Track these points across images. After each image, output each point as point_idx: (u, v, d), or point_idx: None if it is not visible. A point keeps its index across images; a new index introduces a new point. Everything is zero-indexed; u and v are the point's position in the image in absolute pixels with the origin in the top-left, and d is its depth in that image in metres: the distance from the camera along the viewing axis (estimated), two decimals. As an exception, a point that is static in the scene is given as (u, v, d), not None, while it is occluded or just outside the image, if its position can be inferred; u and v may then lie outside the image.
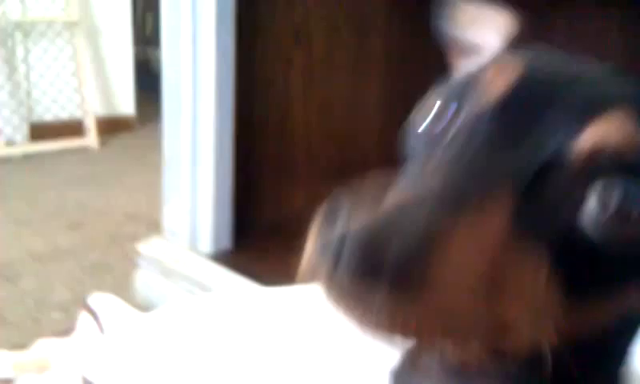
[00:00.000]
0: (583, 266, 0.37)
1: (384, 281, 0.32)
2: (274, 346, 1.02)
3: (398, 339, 0.34)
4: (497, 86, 0.40)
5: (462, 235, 0.34)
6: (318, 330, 1.04)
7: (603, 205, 0.36)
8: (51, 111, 3.11)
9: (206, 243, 1.44)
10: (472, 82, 0.42)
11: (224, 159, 1.41)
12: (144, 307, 1.49)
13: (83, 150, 3.06)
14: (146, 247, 1.54)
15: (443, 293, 0.33)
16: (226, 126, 1.39)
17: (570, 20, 1.66)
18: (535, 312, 0.36)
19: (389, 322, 0.33)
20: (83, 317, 1.20)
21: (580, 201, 0.36)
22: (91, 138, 3.08)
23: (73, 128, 3.08)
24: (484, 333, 0.36)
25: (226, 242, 1.45)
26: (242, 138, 1.49)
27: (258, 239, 1.52)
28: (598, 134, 0.37)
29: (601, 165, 0.36)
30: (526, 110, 0.39)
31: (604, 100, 0.38)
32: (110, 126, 3.24)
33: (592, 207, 0.36)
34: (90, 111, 3.10)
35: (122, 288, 1.59)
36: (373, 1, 1.69)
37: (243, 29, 1.42)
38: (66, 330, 1.25)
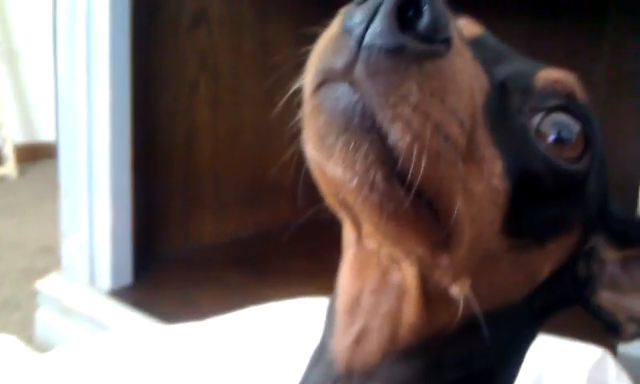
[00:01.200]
0: (527, 201, 0.40)
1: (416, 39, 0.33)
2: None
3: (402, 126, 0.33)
4: (469, 31, 0.46)
5: (466, 61, 0.36)
6: (223, 370, 0.99)
7: (550, 130, 0.41)
8: (-32, 139, 2.98)
9: (105, 279, 1.37)
10: None
11: (121, 192, 1.34)
12: (44, 348, 1.41)
13: (1, 180, 2.93)
14: (45, 284, 1.46)
15: (450, 87, 0.34)
16: (123, 157, 1.33)
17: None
18: (479, 219, 0.38)
19: (415, 93, 0.33)
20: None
21: (533, 125, 0.41)
22: (9, 167, 2.96)
23: (-10, 156, 2.95)
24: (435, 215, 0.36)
25: (126, 278, 1.39)
26: (144, 169, 1.43)
27: (162, 273, 1.46)
28: (555, 72, 0.43)
29: (555, 95, 0.42)
30: (495, 48, 0.46)
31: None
32: (30, 154, 3.12)
33: (542, 130, 0.41)
34: (9, 138, 2.98)
35: (28, 326, 1.51)
36: (280, 23, 1.66)
37: (142, 54, 1.37)
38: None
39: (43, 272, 1.65)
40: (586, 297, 0.49)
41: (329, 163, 0.35)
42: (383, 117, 0.33)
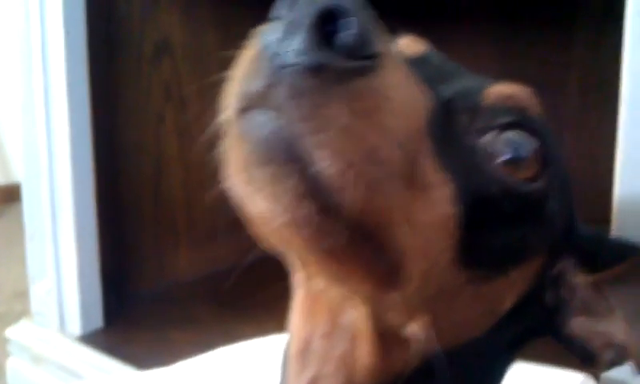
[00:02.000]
0: (482, 227, 0.37)
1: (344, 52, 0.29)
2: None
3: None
4: (412, 49, 0.43)
5: (402, 77, 0.33)
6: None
7: (503, 149, 0.37)
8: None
9: (75, 324, 1.31)
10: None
11: (87, 232, 1.30)
12: (16, 399, 1.36)
13: (-24, 223, 2.88)
14: (15, 331, 1.41)
15: (384, 109, 0.31)
16: (86, 196, 1.28)
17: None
18: (429, 250, 0.35)
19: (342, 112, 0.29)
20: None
21: (485, 145, 0.38)
22: (-15, 210, 2.90)
23: (-35, 199, 2.90)
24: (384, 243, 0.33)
25: (97, 321, 1.33)
26: (112, 207, 1.39)
27: (135, 313, 1.41)
28: (506, 87, 0.40)
29: (507, 111, 0.39)
30: (442, 66, 0.42)
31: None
32: (6, 195, 3.06)
33: (494, 150, 0.37)
34: (-16, 181, 2.93)
35: (2, 376, 1.46)
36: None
37: (103, 89, 1.33)
38: None
39: (19, 317, 1.60)
40: (556, 326, 0.46)
41: (255, 198, 0.32)
42: (309, 143, 0.29)
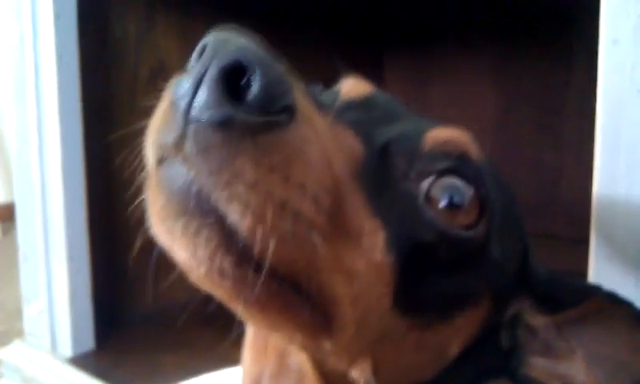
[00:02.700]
0: (421, 274, 0.36)
1: (250, 107, 0.29)
2: None
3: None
4: (356, 91, 0.43)
5: (319, 128, 0.32)
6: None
7: (441, 195, 0.37)
8: (-50, 200, 2.95)
9: (66, 346, 1.31)
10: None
11: (78, 254, 1.29)
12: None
13: (-16, 240, 2.90)
14: (7, 352, 1.41)
15: (299, 160, 0.30)
16: (78, 219, 1.29)
17: (446, 81, 1.66)
18: (363, 298, 0.34)
19: (251, 165, 0.29)
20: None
21: (423, 191, 0.37)
22: (-8, 227, 2.92)
23: (-27, 217, 2.92)
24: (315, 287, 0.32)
25: (88, 344, 1.33)
26: (105, 229, 1.39)
27: (127, 336, 1.40)
28: (445, 131, 0.39)
29: (446, 156, 0.38)
30: (385, 108, 0.41)
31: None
32: (12, 213, 3.08)
33: (432, 195, 0.37)
34: (-9, 198, 2.95)
35: (0, 396, 1.46)
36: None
37: (97, 111, 1.34)
38: None
39: (21, 335, 1.60)
40: (512, 368, 0.45)
41: (175, 248, 0.32)
42: (219, 197, 0.29)
